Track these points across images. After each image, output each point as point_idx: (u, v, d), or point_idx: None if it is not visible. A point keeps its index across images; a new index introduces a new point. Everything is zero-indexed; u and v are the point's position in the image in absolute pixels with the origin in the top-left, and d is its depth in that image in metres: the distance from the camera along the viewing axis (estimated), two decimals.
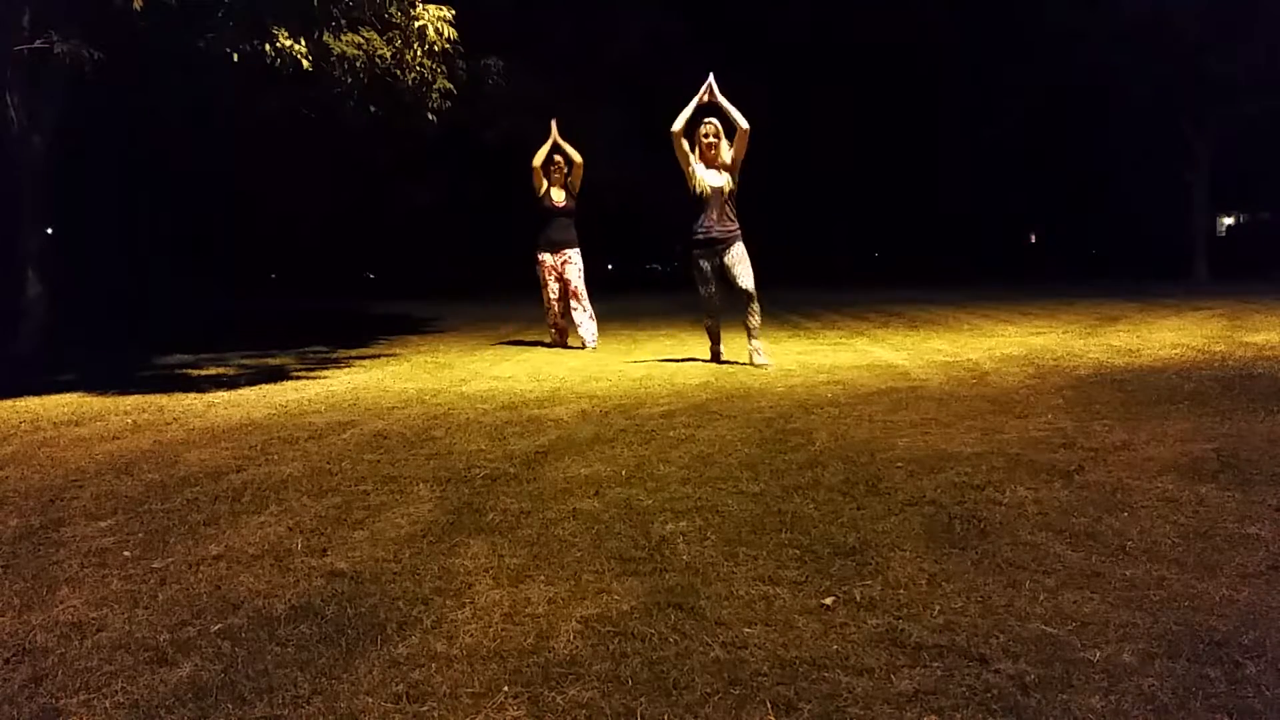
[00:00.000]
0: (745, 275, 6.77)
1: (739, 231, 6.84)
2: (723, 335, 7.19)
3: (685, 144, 6.76)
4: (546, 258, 8.70)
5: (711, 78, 6.75)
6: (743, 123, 6.69)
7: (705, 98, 6.77)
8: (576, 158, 8.69)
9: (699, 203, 6.78)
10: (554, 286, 8.76)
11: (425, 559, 2.65)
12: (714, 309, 7.01)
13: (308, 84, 8.91)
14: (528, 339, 9.86)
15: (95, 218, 18.02)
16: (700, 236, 6.80)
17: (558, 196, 8.67)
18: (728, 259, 6.76)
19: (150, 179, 19.25)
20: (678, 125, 6.73)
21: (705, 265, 6.84)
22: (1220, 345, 7.05)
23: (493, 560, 2.62)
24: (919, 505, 3.00)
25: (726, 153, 6.79)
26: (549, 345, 9.02)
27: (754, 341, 6.84)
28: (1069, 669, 1.85)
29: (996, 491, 3.12)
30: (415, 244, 29.62)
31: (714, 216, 6.75)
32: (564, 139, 8.75)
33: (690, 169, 6.78)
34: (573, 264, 8.68)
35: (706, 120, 6.82)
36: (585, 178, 8.86)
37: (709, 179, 6.75)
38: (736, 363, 6.95)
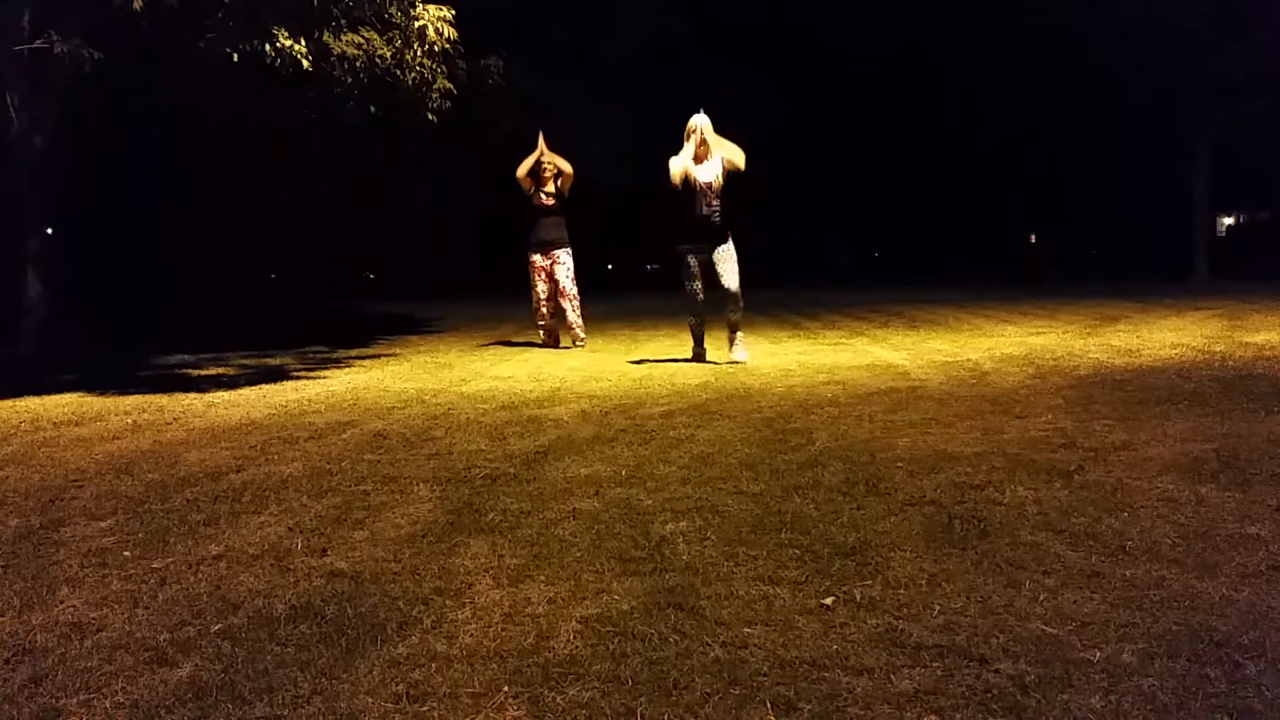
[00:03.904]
0: (731, 274, 6.72)
1: (730, 234, 6.76)
2: (706, 333, 7.19)
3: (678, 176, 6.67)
4: (537, 258, 8.72)
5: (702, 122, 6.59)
6: (739, 163, 6.58)
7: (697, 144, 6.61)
8: (566, 168, 8.68)
9: (686, 195, 6.64)
10: (542, 287, 8.76)
11: (425, 559, 2.65)
12: (699, 308, 6.91)
13: (308, 84, 8.92)
14: (527, 339, 9.85)
15: (95, 218, 18.02)
16: (690, 237, 6.70)
17: (547, 196, 8.67)
18: (716, 255, 6.71)
19: (150, 179, 19.25)
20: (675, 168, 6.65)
21: (692, 262, 6.77)
22: (1220, 345, 7.05)
23: (493, 560, 2.62)
24: (919, 505, 3.00)
25: (717, 148, 6.66)
26: (542, 345, 9.01)
27: (736, 335, 6.95)
28: (1069, 669, 1.85)
29: (996, 491, 3.12)
30: (415, 244, 29.63)
31: (703, 211, 6.65)
32: (559, 141, 8.76)
33: (674, 173, 6.65)
34: (561, 264, 8.69)
35: (696, 114, 6.68)
36: (586, 177, 8.87)
37: (698, 173, 6.63)
38: (717, 363, 6.97)
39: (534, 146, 8.72)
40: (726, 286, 6.75)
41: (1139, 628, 2.03)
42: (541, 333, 9.01)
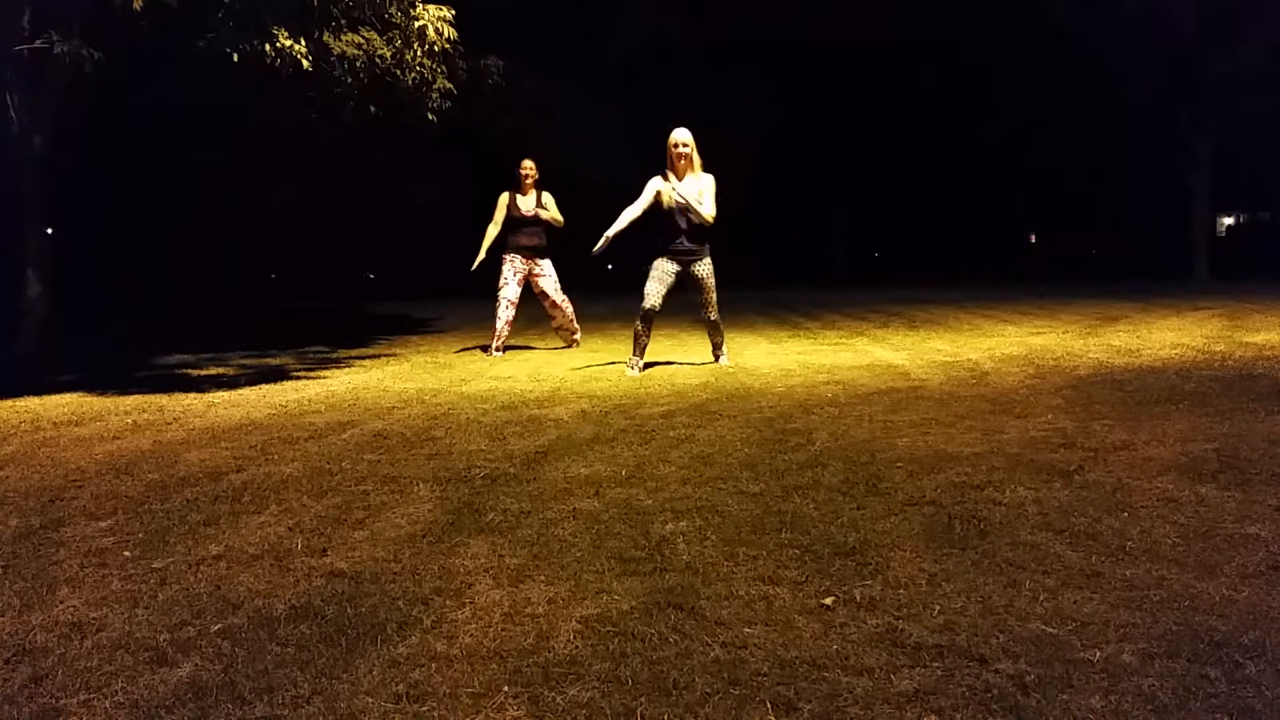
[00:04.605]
0: (711, 305, 6.73)
1: (708, 248, 6.68)
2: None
3: (647, 203, 6.57)
4: (516, 259, 8.42)
5: (674, 189, 6.50)
6: (708, 217, 6.51)
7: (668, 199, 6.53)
8: (558, 220, 8.43)
9: (667, 215, 6.54)
10: (515, 289, 8.39)
11: (425, 559, 2.65)
12: (651, 317, 6.69)
13: (308, 84, 8.90)
14: (526, 340, 9.86)
15: (95, 218, 18.04)
16: (671, 246, 6.60)
17: (525, 205, 8.37)
18: (699, 273, 6.62)
19: (150, 179, 19.26)
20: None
21: (670, 267, 6.61)
22: (1220, 345, 7.05)
23: (493, 560, 2.62)
24: (919, 505, 3.00)
25: (699, 166, 6.56)
26: (487, 349, 8.55)
27: (720, 351, 7.05)
28: (1069, 669, 1.85)
29: (996, 491, 3.12)
30: (415, 244, 29.63)
31: (684, 228, 6.53)
32: (559, 142, 8.62)
33: (653, 195, 6.55)
34: (547, 276, 8.47)
35: (679, 129, 6.58)
36: (586, 177, 8.79)
37: (677, 189, 6.49)
38: (703, 363, 6.98)
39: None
40: (708, 317, 6.82)
41: (1139, 628, 2.03)
42: (496, 341, 8.38)
